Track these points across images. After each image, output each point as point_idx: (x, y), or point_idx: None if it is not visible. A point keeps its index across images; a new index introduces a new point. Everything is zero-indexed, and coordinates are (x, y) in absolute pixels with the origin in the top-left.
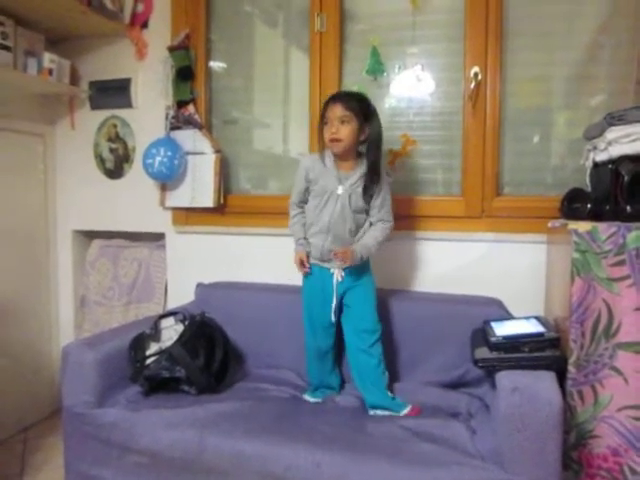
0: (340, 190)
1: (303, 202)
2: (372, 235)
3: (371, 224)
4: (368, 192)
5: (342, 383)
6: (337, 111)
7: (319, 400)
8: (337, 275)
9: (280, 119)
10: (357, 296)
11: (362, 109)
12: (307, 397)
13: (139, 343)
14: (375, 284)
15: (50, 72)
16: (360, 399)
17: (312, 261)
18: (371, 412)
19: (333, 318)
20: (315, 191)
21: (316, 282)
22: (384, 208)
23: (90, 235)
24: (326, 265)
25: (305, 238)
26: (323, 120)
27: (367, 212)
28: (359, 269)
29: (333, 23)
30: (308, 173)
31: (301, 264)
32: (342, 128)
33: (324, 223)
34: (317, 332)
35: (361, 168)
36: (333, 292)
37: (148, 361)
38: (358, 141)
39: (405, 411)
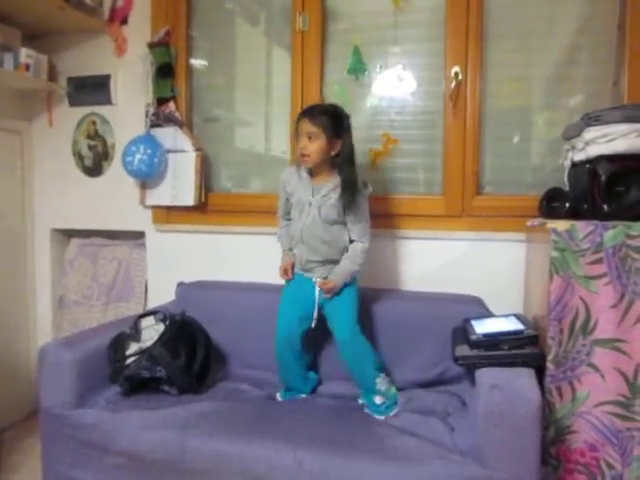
0: (312, 202)
1: (287, 214)
2: (345, 264)
3: (352, 241)
4: (342, 207)
5: (317, 385)
6: (305, 127)
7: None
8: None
9: (262, 118)
10: (333, 307)
11: (333, 124)
12: (278, 396)
13: (119, 343)
14: (357, 295)
15: (27, 67)
16: (339, 397)
17: (296, 270)
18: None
19: (313, 324)
20: (293, 203)
21: (298, 288)
22: (359, 224)
23: (69, 234)
24: (308, 275)
25: (290, 249)
26: (297, 133)
27: (344, 223)
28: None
29: (315, 22)
30: (285, 186)
31: (284, 273)
32: (310, 144)
33: (298, 234)
34: (290, 335)
35: (334, 180)
36: (315, 302)
37: (128, 361)
38: (329, 155)
39: (388, 414)
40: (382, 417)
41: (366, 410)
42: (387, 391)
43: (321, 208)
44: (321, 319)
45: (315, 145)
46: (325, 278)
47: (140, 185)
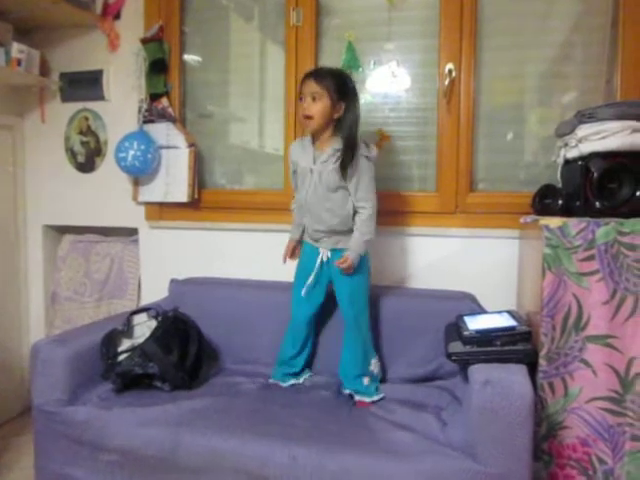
0: (313, 168)
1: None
2: (355, 236)
3: (355, 212)
4: (341, 170)
5: (304, 368)
6: (309, 87)
7: (281, 383)
8: (323, 255)
9: (256, 113)
10: (340, 283)
11: (337, 85)
12: (271, 380)
13: (111, 339)
14: (367, 274)
15: (19, 62)
16: (332, 389)
17: (305, 239)
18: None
19: (303, 293)
20: (298, 172)
21: (307, 258)
22: (360, 187)
23: (61, 230)
24: (316, 245)
25: (300, 224)
26: (299, 96)
27: (347, 190)
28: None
29: (309, 17)
30: (291, 156)
31: (287, 252)
32: (313, 105)
33: (302, 202)
34: (297, 304)
35: (335, 145)
36: (313, 270)
37: (120, 357)
38: (333, 118)
39: (361, 397)
40: (370, 399)
41: (356, 397)
42: (377, 375)
43: (322, 174)
44: (328, 305)
45: (318, 105)
46: (333, 250)
47: (133, 181)
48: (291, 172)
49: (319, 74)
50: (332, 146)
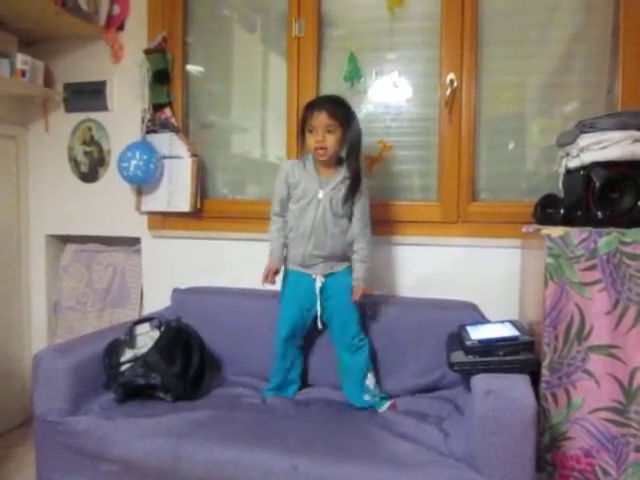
0: (321, 194)
1: (285, 211)
2: (360, 266)
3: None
4: (350, 198)
5: (300, 386)
6: (322, 120)
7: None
8: (318, 281)
9: (258, 124)
10: (338, 303)
11: (346, 116)
12: (262, 395)
13: (113, 349)
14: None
15: (23, 73)
16: (333, 403)
17: (292, 267)
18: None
19: (320, 325)
20: (296, 196)
21: (296, 287)
22: (364, 211)
23: (64, 239)
24: (307, 271)
25: (282, 255)
26: (307, 127)
27: (349, 217)
28: (340, 276)
29: (311, 28)
30: (288, 177)
31: (265, 278)
32: (328, 137)
33: (305, 228)
34: (294, 334)
35: (341, 172)
36: (316, 299)
37: (123, 368)
38: (342, 147)
39: (384, 407)
40: (381, 409)
41: (358, 405)
42: (374, 388)
43: (332, 201)
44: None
45: (333, 138)
46: (326, 275)
47: (136, 191)
48: (281, 195)
49: (331, 107)
50: (340, 173)
